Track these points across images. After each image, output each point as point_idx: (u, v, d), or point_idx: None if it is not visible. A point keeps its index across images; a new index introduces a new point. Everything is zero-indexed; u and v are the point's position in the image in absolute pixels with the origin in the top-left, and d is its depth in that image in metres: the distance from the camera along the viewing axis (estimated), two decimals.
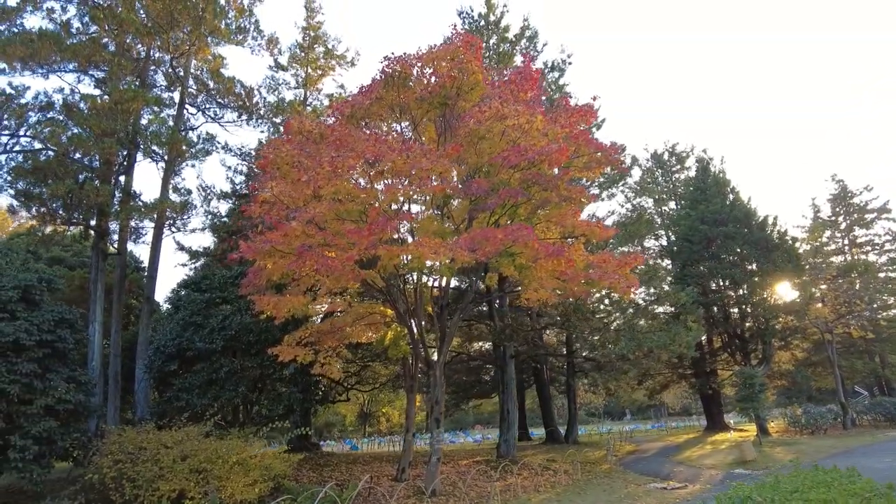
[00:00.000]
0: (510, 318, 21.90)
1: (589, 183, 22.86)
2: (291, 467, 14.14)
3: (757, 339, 31.41)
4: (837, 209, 40.67)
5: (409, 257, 11.48)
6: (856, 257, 39.30)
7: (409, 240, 13.74)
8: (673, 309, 25.92)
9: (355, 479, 16.93)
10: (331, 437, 50.51)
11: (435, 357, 15.93)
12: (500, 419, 21.77)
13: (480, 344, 31.59)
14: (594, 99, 14.48)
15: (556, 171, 13.50)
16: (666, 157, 39.59)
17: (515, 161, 11.58)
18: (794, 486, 6.31)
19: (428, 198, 13.57)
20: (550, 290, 13.32)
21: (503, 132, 12.63)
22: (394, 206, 13.40)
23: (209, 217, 22.75)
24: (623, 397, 46.84)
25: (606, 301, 24.56)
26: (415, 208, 14.68)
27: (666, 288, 21.17)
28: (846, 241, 40.44)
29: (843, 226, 40.47)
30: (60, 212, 17.17)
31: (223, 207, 29.26)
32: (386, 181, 12.26)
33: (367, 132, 13.57)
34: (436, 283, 17.11)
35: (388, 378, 32.68)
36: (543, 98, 17.94)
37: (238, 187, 23.27)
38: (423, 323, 16.08)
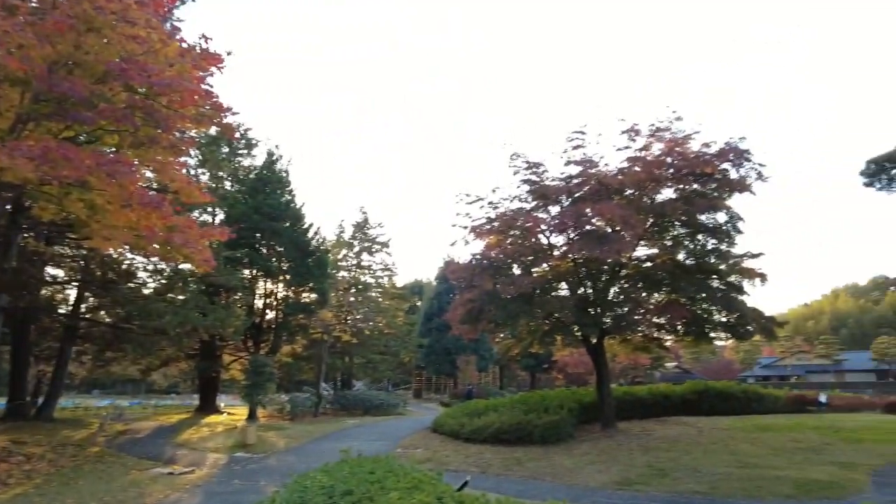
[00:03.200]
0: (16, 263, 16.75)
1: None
2: None
3: (271, 331, 33.81)
4: (356, 234, 48.55)
5: None
6: (358, 277, 47.59)
7: None
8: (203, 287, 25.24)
9: None
10: None
11: None
12: None
13: None
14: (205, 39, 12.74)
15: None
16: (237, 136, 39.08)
17: (137, 80, 9.25)
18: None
19: None
20: (121, 243, 11.00)
21: (117, 40, 10.00)
22: None
23: None
24: (114, 370, 42.10)
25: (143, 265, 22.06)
26: None
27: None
28: (355, 262, 48.55)
29: (356, 249, 48.47)
30: None
31: None
32: None
33: None
34: None
35: None
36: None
37: None
38: None
